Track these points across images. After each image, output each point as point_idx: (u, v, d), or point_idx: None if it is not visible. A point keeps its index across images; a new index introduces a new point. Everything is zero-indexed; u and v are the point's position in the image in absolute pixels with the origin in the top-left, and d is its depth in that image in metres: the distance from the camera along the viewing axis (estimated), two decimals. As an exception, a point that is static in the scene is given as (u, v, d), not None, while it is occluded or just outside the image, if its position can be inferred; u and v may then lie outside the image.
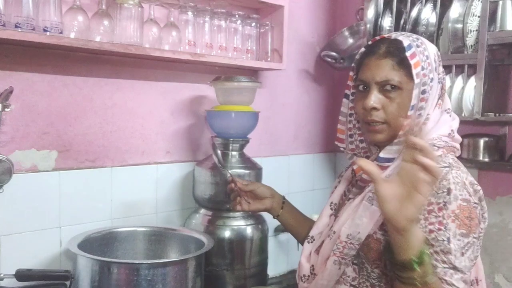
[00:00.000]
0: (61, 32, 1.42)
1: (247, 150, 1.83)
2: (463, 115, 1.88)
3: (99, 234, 1.57)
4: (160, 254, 1.65)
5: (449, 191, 1.05)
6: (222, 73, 1.88)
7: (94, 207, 1.66)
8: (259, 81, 1.95)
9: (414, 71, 1.10)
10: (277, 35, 2.04)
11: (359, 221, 1.12)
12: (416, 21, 2.00)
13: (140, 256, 1.61)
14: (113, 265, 1.32)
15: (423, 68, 1.12)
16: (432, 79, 1.14)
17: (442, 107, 1.20)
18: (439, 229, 1.04)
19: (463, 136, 2.05)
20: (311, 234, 1.32)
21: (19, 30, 1.33)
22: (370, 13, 2.12)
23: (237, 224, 1.71)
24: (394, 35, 1.19)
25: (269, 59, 2.03)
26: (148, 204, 1.82)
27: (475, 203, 1.07)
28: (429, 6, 2.00)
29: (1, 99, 1.37)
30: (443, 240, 1.03)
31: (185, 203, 1.92)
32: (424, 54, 1.14)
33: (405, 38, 1.15)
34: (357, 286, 1.18)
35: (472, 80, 1.85)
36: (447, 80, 1.93)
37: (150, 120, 1.82)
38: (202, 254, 1.45)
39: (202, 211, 1.78)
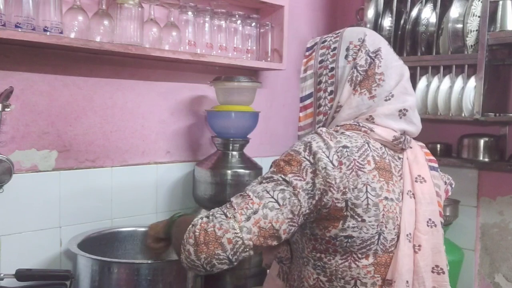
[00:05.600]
0: (61, 32, 1.42)
1: (247, 150, 1.83)
2: (463, 115, 1.88)
3: (99, 234, 1.57)
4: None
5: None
6: (222, 73, 1.88)
7: (94, 207, 1.66)
8: (259, 81, 1.96)
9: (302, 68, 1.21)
10: (277, 35, 2.04)
11: None
12: (416, 21, 2.01)
13: (140, 256, 1.61)
14: (113, 265, 1.32)
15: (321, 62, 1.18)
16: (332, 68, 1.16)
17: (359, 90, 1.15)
18: None
19: (463, 136, 2.08)
20: None
21: (19, 30, 1.33)
22: (370, 13, 2.12)
23: (237, 224, 1.71)
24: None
25: (269, 59, 2.03)
26: (148, 204, 1.82)
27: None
28: (429, 6, 2.00)
29: (1, 99, 1.37)
30: None
31: (185, 203, 1.91)
32: (327, 48, 1.18)
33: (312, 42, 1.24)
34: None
35: (472, 80, 1.85)
36: (446, 80, 1.93)
37: (150, 120, 1.82)
38: (202, 254, 1.44)
39: (202, 211, 1.78)
